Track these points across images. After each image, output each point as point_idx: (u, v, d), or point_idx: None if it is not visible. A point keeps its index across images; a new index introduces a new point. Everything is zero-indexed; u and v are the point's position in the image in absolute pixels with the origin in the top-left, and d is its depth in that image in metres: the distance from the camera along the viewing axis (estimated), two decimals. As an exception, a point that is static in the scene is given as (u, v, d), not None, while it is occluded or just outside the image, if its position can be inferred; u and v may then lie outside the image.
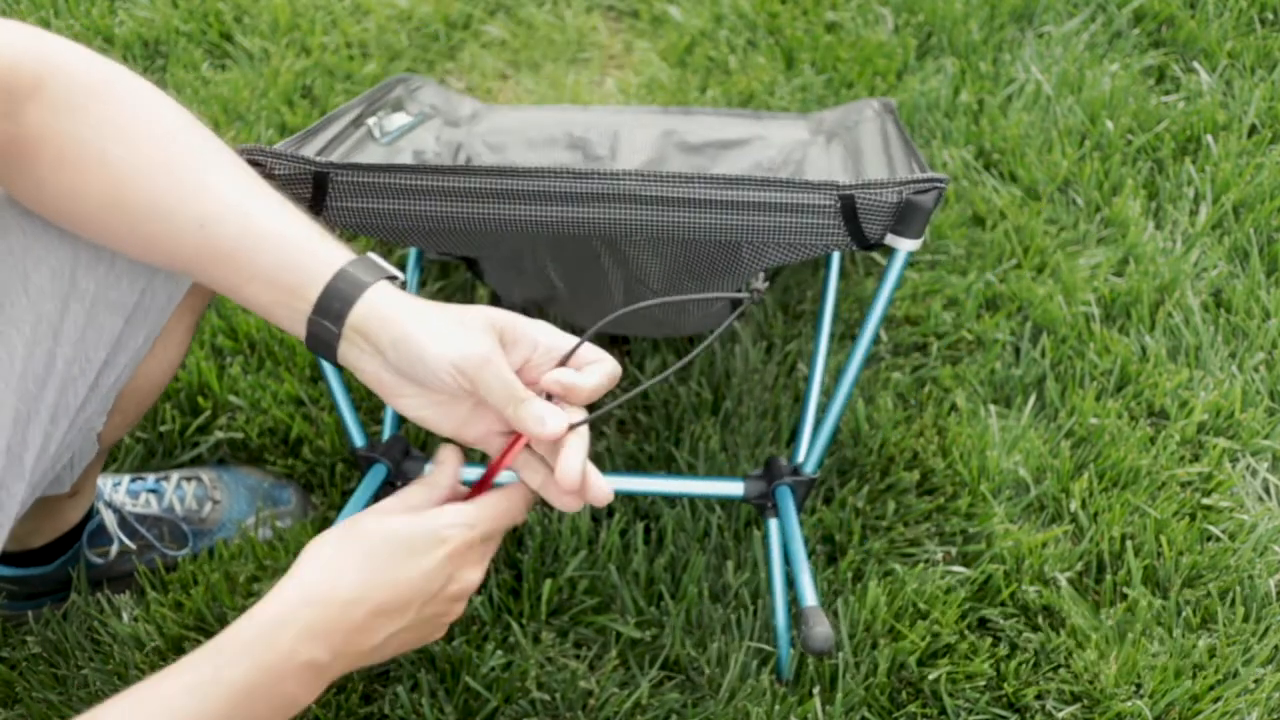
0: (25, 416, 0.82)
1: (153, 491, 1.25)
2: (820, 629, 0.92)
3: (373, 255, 0.79)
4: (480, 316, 0.75)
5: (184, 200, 0.76)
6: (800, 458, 1.10)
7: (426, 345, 0.72)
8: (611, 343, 1.42)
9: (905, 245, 0.97)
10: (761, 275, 0.96)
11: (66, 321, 0.84)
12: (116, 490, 1.24)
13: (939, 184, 0.94)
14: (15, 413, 0.81)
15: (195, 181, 0.76)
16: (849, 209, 0.94)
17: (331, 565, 0.72)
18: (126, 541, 1.22)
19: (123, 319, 0.87)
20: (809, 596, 0.97)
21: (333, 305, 0.74)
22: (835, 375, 1.38)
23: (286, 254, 0.75)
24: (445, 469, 0.79)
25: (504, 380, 0.74)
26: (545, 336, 0.78)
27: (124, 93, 0.77)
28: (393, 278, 0.77)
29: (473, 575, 0.76)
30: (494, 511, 0.77)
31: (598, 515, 1.27)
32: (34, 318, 0.82)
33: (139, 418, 1.03)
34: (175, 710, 0.65)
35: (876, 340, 1.44)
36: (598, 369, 0.77)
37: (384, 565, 0.72)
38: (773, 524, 1.11)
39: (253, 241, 0.75)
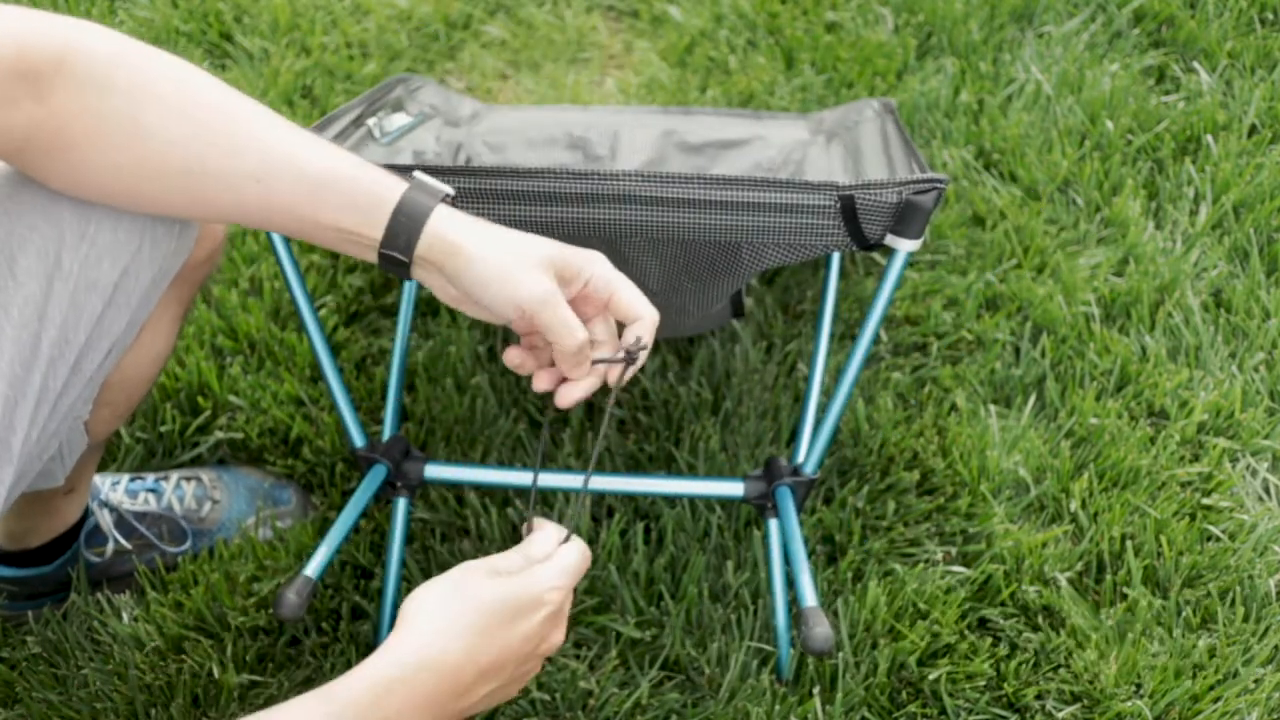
0: (13, 401, 0.82)
1: (152, 491, 1.25)
2: (820, 629, 0.92)
3: (420, 175, 0.82)
4: (538, 253, 0.80)
5: (233, 158, 0.78)
6: (800, 458, 1.10)
7: (489, 283, 0.79)
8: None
9: (905, 245, 0.97)
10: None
11: (50, 303, 0.83)
12: (115, 490, 1.24)
13: (939, 184, 0.94)
14: (4, 398, 0.81)
15: (240, 137, 0.78)
16: (849, 209, 0.94)
17: (445, 630, 0.74)
18: (122, 541, 1.22)
19: (103, 301, 0.86)
20: (809, 597, 0.97)
21: (399, 239, 0.79)
22: (835, 375, 1.38)
23: (346, 195, 0.79)
24: (545, 537, 0.83)
25: (562, 319, 0.80)
26: (598, 267, 0.83)
27: (144, 60, 0.78)
28: (448, 196, 0.82)
29: (558, 636, 0.81)
30: (577, 568, 0.81)
31: (597, 515, 1.27)
32: (21, 300, 0.82)
33: (129, 411, 1.02)
34: None
35: (876, 340, 1.44)
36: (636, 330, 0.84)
37: (492, 630, 0.75)
38: (773, 524, 1.11)
39: (310, 188, 0.79)
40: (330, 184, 0.79)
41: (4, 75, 0.73)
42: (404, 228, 0.79)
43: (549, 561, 0.80)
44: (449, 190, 0.82)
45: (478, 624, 0.75)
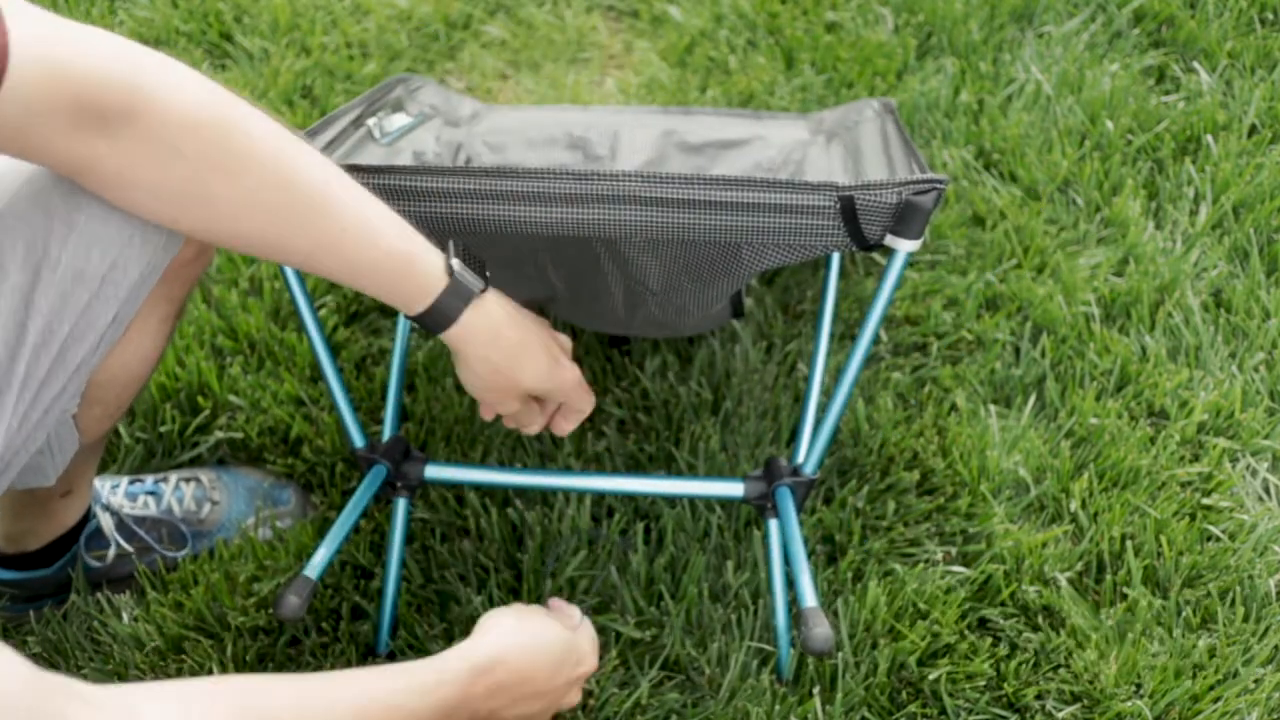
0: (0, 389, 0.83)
1: (151, 493, 1.25)
2: (820, 630, 0.93)
3: (459, 271, 0.91)
4: (518, 387, 0.98)
5: (292, 237, 0.86)
6: (800, 458, 1.10)
7: (472, 389, 0.97)
8: (612, 343, 1.42)
9: (905, 246, 0.96)
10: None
11: (37, 292, 0.83)
12: (114, 493, 1.24)
13: (938, 185, 0.94)
14: None
15: (300, 219, 0.85)
16: (848, 210, 0.94)
17: (520, 643, 0.89)
18: (124, 544, 1.22)
19: (90, 292, 0.86)
20: (809, 597, 0.97)
21: (432, 323, 0.92)
22: (835, 375, 1.38)
23: (391, 281, 0.89)
24: (574, 620, 1.00)
25: (574, 389, 1.01)
26: (566, 398, 1.04)
27: (216, 129, 0.81)
28: (484, 287, 0.94)
29: (575, 696, 0.96)
30: (596, 643, 1.00)
31: (597, 515, 1.27)
32: (8, 289, 0.82)
33: (120, 411, 1.02)
34: (401, 700, 0.78)
35: (876, 340, 1.44)
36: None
37: (549, 661, 0.90)
38: (772, 524, 1.11)
39: (357, 269, 0.88)
40: (379, 267, 0.89)
41: (76, 107, 0.76)
42: (439, 316, 0.92)
43: (583, 631, 0.98)
44: (481, 286, 0.93)
45: (539, 648, 0.90)
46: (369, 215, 0.87)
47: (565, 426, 1.06)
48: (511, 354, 0.96)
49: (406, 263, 0.89)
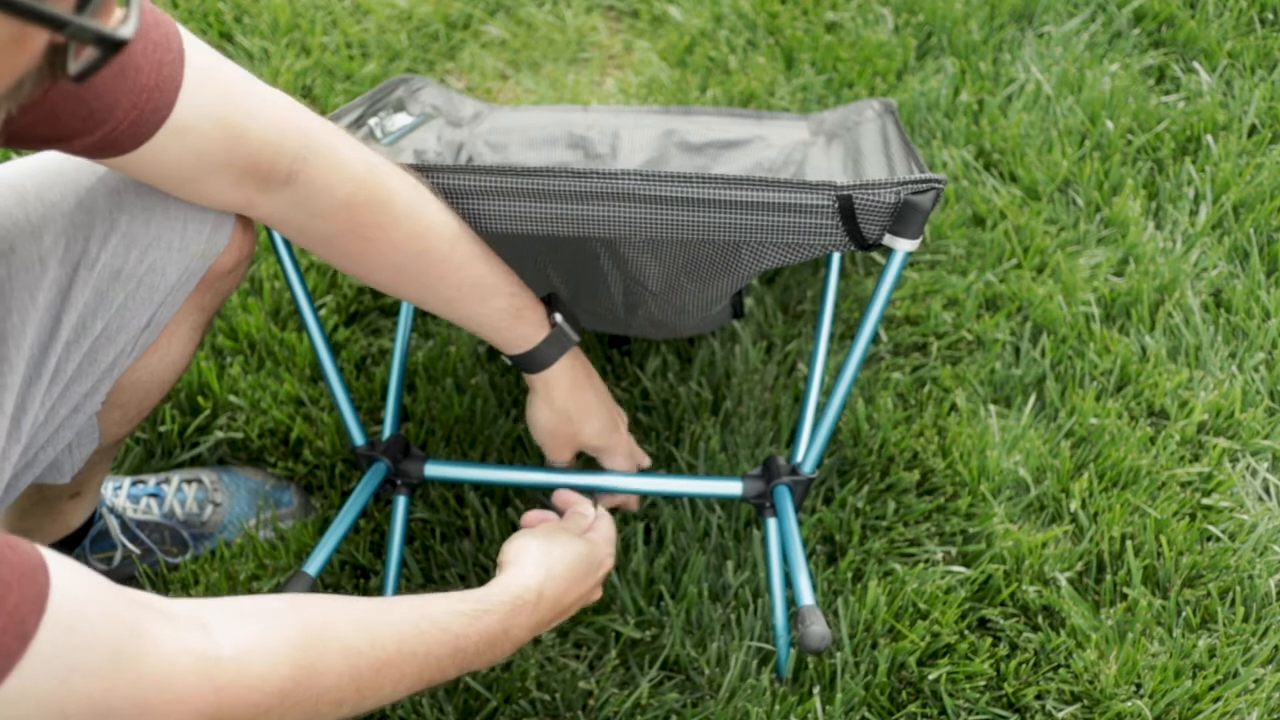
0: (29, 381, 0.84)
1: (153, 495, 1.25)
2: (817, 628, 0.93)
3: (561, 326, 1.03)
4: (577, 440, 1.09)
5: (411, 292, 0.99)
6: (799, 457, 1.10)
7: (580, 425, 1.08)
8: (612, 342, 1.42)
9: (903, 245, 0.97)
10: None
11: (74, 289, 0.85)
12: (118, 495, 1.24)
13: (937, 184, 0.94)
14: (23, 379, 0.83)
15: (424, 282, 0.97)
16: (847, 209, 0.94)
17: (552, 572, 0.92)
18: (130, 546, 1.22)
19: (125, 292, 0.87)
20: (806, 596, 0.98)
21: (527, 364, 1.04)
22: (835, 375, 1.38)
23: (495, 332, 1.01)
24: (584, 510, 1.05)
25: (625, 454, 1.12)
26: (613, 458, 1.14)
27: (368, 205, 0.90)
28: (579, 340, 1.06)
29: (599, 594, 1.01)
30: (614, 535, 1.04)
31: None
32: (46, 285, 0.83)
33: (141, 416, 1.03)
34: (449, 623, 0.82)
35: (876, 340, 1.44)
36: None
37: (578, 578, 0.95)
38: (771, 523, 1.11)
39: (465, 319, 1.01)
40: (481, 325, 1.01)
41: (241, 166, 0.84)
42: (529, 364, 1.04)
43: (598, 531, 1.01)
44: (577, 339, 1.05)
45: (569, 572, 0.93)
46: (483, 275, 0.98)
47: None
48: (583, 405, 1.07)
49: (514, 317, 1.00)
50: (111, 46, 0.52)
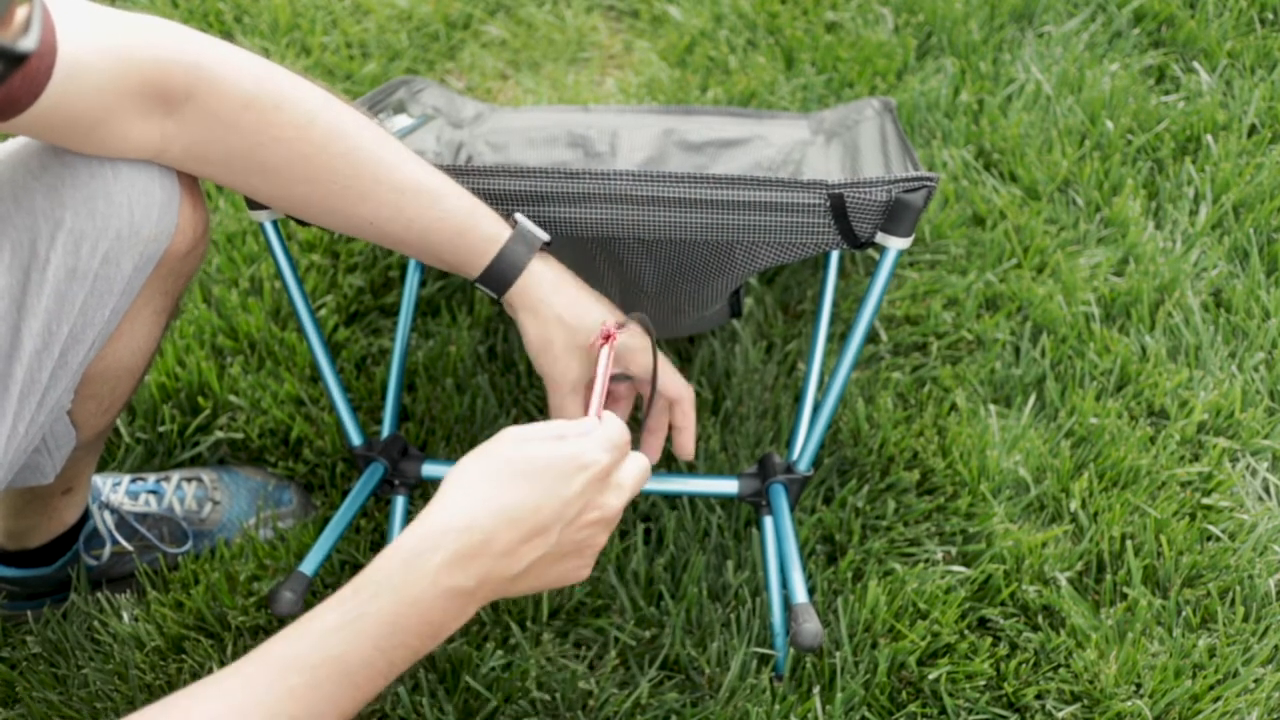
0: None
1: (153, 492, 1.25)
2: (810, 625, 0.94)
3: (522, 222, 0.94)
4: (584, 339, 0.95)
5: (351, 204, 0.90)
6: (794, 455, 1.10)
7: (535, 352, 0.95)
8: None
9: (895, 244, 0.97)
10: None
11: (29, 295, 0.83)
12: (115, 491, 1.24)
13: (928, 182, 0.94)
14: None
15: (359, 188, 0.89)
16: (838, 207, 0.95)
17: (474, 491, 0.72)
18: (122, 543, 1.22)
19: (85, 289, 0.86)
20: (799, 593, 0.98)
21: (492, 283, 0.94)
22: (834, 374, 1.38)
23: (451, 241, 0.91)
24: (576, 416, 0.91)
25: (559, 407, 0.97)
26: (641, 357, 0.99)
27: (274, 101, 0.85)
28: (546, 244, 0.95)
29: (613, 501, 0.77)
30: (619, 439, 0.79)
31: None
32: None
33: (115, 406, 1.02)
34: (329, 649, 0.67)
35: (876, 340, 1.44)
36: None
37: (526, 490, 0.73)
38: (768, 522, 1.11)
39: (418, 233, 0.91)
40: (439, 229, 0.91)
41: (139, 90, 0.81)
42: (499, 275, 0.93)
43: (588, 434, 0.78)
44: (544, 238, 0.94)
45: (510, 486, 0.73)
46: (423, 177, 0.90)
47: (684, 441, 1.02)
48: (576, 299, 0.94)
49: (469, 216, 0.91)
50: (12, 60, 0.51)
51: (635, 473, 0.79)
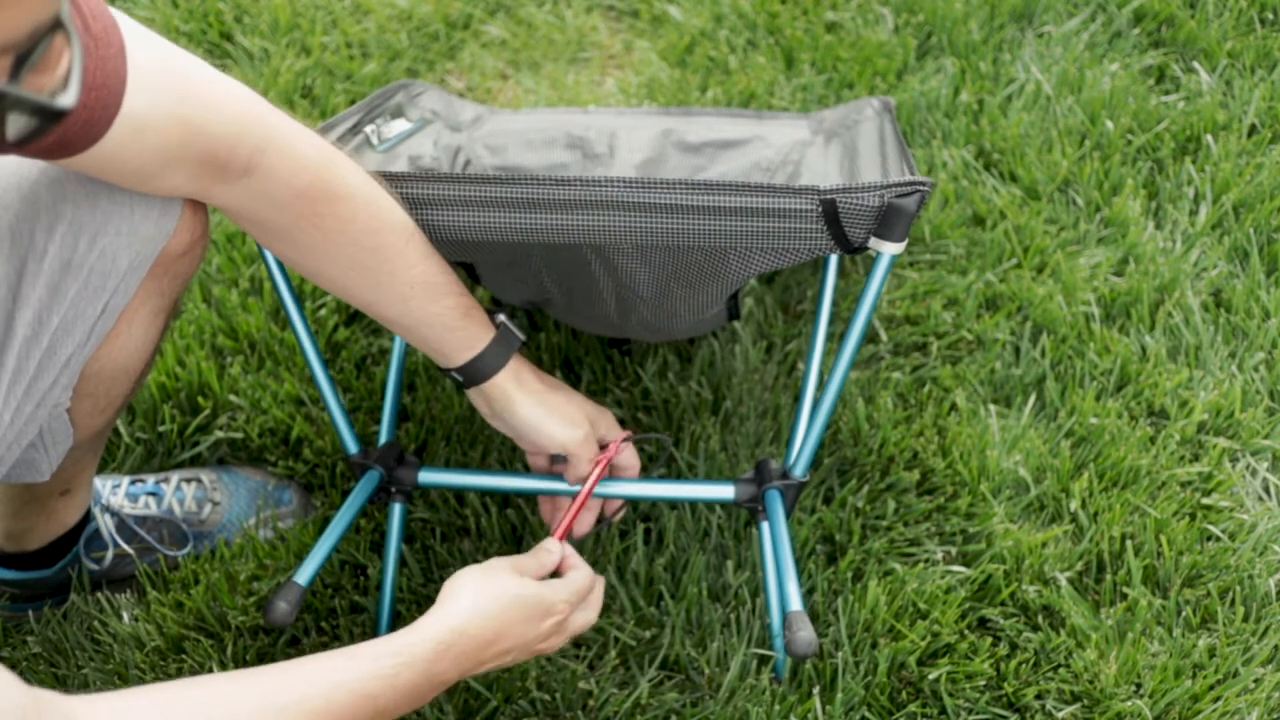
0: None
1: (152, 494, 1.25)
2: (803, 634, 0.93)
3: (505, 325, 1.02)
4: (581, 410, 1.06)
5: (363, 288, 0.97)
6: (791, 460, 1.10)
7: (542, 430, 1.04)
8: (612, 343, 1.42)
9: (889, 249, 0.96)
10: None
11: (25, 284, 0.84)
12: (115, 493, 1.24)
13: (921, 187, 0.94)
14: None
15: (375, 277, 0.95)
16: (830, 213, 0.94)
17: (480, 610, 0.90)
18: (123, 546, 1.22)
19: (78, 282, 0.86)
20: (794, 601, 0.98)
21: (467, 377, 1.02)
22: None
23: (439, 334, 0.99)
24: (552, 558, 1.02)
25: (590, 458, 1.07)
26: (610, 421, 1.11)
27: (321, 191, 0.90)
28: (522, 345, 1.04)
29: (561, 641, 0.98)
30: (581, 589, 1.00)
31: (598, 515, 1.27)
32: None
33: (113, 406, 1.02)
34: (366, 687, 0.81)
35: (876, 340, 1.44)
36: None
37: (514, 621, 0.92)
38: (765, 527, 1.11)
39: (413, 321, 0.99)
40: (430, 325, 0.99)
41: (199, 158, 0.83)
42: (474, 373, 1.01)
43: (566, 580, 0.99)
44: (522, 339, 1.03)
45: (505, 615, 0.91)
46: (435, 273, 0.97)
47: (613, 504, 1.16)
48: (538, 413, 1.04)
49: (464, 316, 0.99)
50: (51, 116, 0.51)
51: (584, 622, 1.00)
